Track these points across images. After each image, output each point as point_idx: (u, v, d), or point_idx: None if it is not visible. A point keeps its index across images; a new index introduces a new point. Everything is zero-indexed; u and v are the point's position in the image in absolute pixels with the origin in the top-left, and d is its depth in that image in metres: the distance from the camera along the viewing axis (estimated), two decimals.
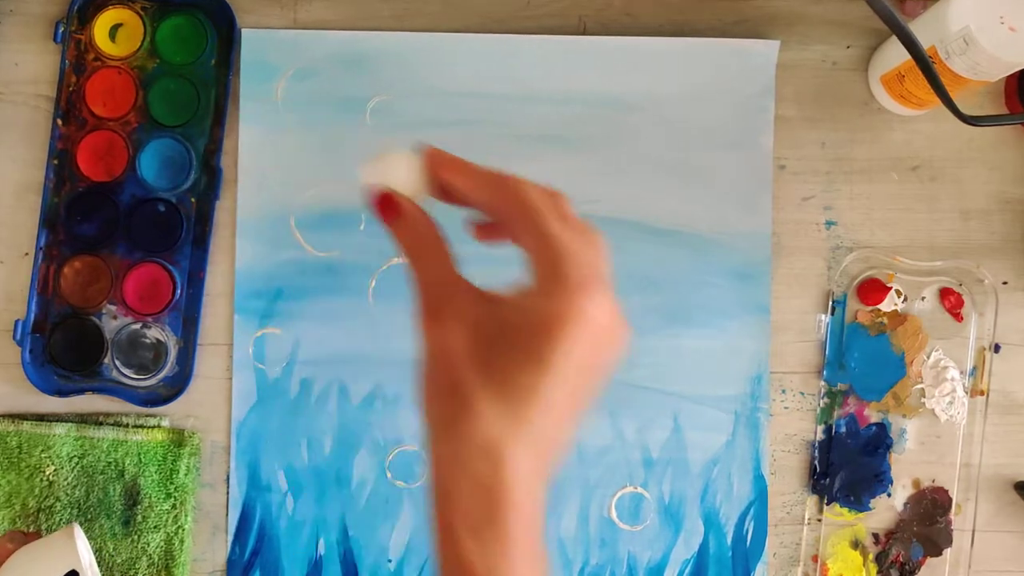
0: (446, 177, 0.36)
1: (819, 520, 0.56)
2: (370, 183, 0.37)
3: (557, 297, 0.33)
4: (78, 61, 0.55)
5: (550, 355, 0.33)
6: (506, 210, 0.36)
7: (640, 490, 0.56)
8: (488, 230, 0.40)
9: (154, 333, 0.55)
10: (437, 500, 0.33)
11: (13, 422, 0.54)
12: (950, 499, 0.56)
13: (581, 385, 0.34)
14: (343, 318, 0.55)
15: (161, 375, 0.55)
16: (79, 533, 0.47)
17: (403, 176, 0.36)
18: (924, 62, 0.47)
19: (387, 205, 0.36)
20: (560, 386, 0.33)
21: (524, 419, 0.33)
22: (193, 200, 0.55)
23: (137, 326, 0.55)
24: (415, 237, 0.36)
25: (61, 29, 0.55)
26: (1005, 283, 0.57)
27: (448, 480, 0.33)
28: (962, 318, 0.57)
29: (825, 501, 0.56)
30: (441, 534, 0.33)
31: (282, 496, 0.55)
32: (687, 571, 0.56)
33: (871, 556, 0.56)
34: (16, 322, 0.54)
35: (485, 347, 0.34)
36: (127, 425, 0.55)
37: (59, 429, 0.54)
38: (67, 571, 0.45)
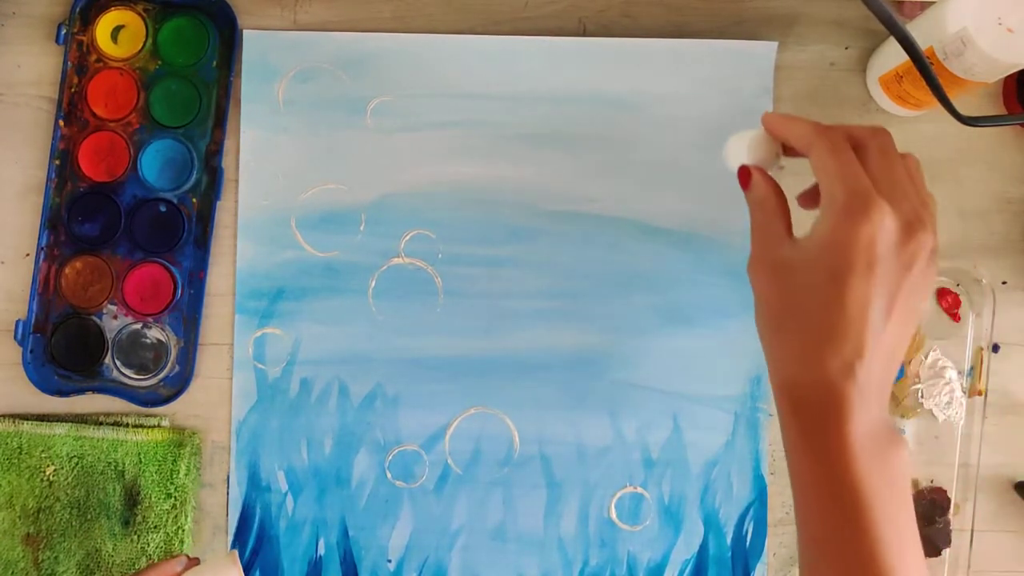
0: (778, 137, 0.45)
1: None
2: (731, 160, 0.45)
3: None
4: (80, 62, 0.55)
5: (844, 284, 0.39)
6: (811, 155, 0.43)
7: (640, 490, 0.56)
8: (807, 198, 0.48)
9: (155, 333, 0.55)
10: None
11: (13, 422, 0.54)
12: (949, 499, 0.56)
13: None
14: (343, 318, 0.56)
15: (161, 375, 0.55)
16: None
17: (754, 149, 0.45)
18: (922, 63, 0.47)
19: (743, 176, 0.45)
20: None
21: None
22: (194, 200, 0.56)
23: (138, 326, 0.55)
24: (756, 200, 0.44)
25: (63, 31, 0.55)
26: (1005, 283, 0.57)
27: None
28: (959, 318, 0.57)
29: None
30: None
31: (282, 496, 0.55)
32: (687, 571, 0.56)
33: None
34: (17, 322, 0.54)
35: (788, 293, 0.42)
36: (127, 425, 0.55)
37: (59, 429, 0.54)
38: None
